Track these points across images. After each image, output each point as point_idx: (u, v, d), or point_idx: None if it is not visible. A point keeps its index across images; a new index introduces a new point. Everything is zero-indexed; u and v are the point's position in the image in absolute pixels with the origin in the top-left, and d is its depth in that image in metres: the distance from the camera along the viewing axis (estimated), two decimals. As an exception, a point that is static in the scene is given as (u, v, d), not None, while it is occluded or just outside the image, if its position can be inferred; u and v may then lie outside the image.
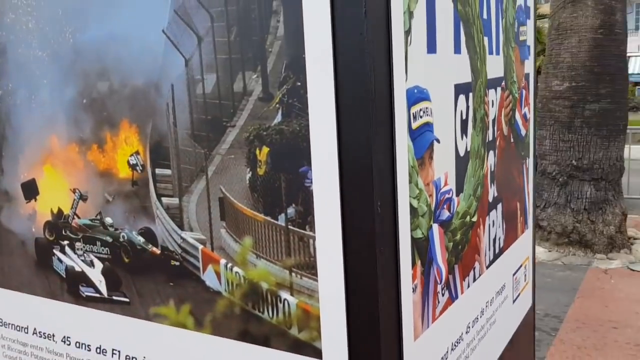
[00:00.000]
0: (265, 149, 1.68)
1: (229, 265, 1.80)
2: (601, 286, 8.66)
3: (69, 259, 2.17)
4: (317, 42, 1.54)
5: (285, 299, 1.71)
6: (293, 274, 1.69)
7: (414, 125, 1.73)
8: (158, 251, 1.95)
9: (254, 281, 1.76)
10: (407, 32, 1.67)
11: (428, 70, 1.82)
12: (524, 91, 2.91)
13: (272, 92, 1.65)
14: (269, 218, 1.71)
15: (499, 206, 2.58)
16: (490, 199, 2.45)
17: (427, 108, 1.80)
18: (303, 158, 1.61)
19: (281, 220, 1.69)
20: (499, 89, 2.50)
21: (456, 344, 2.12)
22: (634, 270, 9.21)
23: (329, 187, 1.58)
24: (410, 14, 1.68)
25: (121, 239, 2.02)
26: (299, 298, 1.69)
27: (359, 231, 1.57)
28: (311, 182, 1.61)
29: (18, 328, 2.39)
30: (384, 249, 1.60)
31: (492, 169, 2.46)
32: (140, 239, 1.98)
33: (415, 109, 1.73)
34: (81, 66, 1.99)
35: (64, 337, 2.25)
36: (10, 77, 2.18)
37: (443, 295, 2.00)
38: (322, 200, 1.60)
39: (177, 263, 1.91)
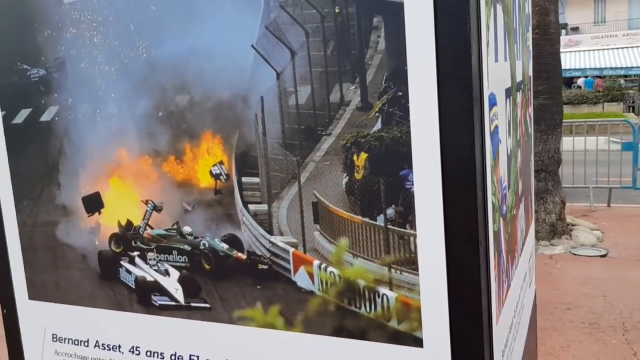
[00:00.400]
0: (364, 155, 1.81)
1: (323, 265, 1.91)
2: (549, 271, 9.21)
3: (139, 270, 2.22)
4: (420, 54, 1.68)
5: (384, 294, 1.85)
6: (392, 270, 1.83)
7: (491, 128, 1.90)
8: (244, 256, 2.03)
9: (350, 279, 1.89)
10: (487, 44, 1.84)
11: (494, 77, 2.00)
12: (529, 91, 3.16)
13: (371, 102, 1.78)
14: (367, 219, 1.84)
15: (522, 199, 2.80)
16: (519, 192, 2.67)
17: (496, 112, 1.98)
18: (404, 162, 1.75)
19: (380, 221, 1.82)
20: (521, 91, 2.72)
21: (510, 327, 2.32)
22: (576, 255, 9.83)
23: (431, 187, 1.73)
24: (487, 27, 1.85)
25: (201, 247, 2.09)
26: (398, 292, 1.83)
27: (462, 227, 1.73)
28: (412, 184, 1.75)
29: (76, 342, 2.41)
30: (482, 242, 1.76)
31: (519, 165, 2.68)
32: (224, 246, 2.06)
33: (491, 113, 1.90)
34: (156, 80, 2.05)
35: (132, 347, 2.29)
36: (70, 92, 2.20)
37: (505, 282, 2.18)
38: (423, 200, 1.75)
39: (265, 267, 2.00)
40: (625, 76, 37.97)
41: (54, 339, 2.45)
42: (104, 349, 2.35)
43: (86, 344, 2.38)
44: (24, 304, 2.49)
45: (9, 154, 2.38)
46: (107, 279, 2.28)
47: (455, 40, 1.65)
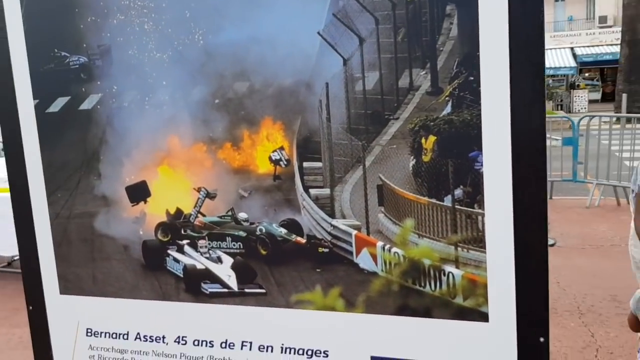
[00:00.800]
0: (432, 138, 1.89)
1: (387, 246, 1.99)
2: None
3: (188, 258, 2.22)
4: (493, 40, 1.78)
5: (449, 272, 1.94)
6: (459, 249, 1.92)
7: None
8: (303, 240, 2.08)
9: (414, 259, 1.97)
10: (542, 33, 1.96)
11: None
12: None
13: (441, 87, 1.86)
14: (433, 200, 1.92)
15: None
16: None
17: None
18: (473, 144, 1.84)
19: (447, 201, 1.91)
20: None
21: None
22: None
23: (501, 168, 1.83)
24: (540, 17, 1.97)
25: (258, 232, 2.12)
26: (464, 270, 1.92)
27: (531, 206, 1.84)
28: (481, 165, 1.85)
29: (114, 335, 2.38)
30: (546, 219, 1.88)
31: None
32: (282, 230, 2.09)
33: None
34: (213, 67, 2.07)
35: (178, 337, 2.29)
36: (115, 80, 2.19)
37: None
38: (493, 180, 1.85)
39: (326, 250, 2.05)
40: (553, 76, 39.80)
41: (88, 334, 2.41)
42: (146, 340, 2.33)
43: (125, 336, 2.36)
44: (55, 299, 2.44)
45: (41, 144, 2.33)
46: (151, 269, 2.27)
47: (528, 27, 1.76)
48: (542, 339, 1.90)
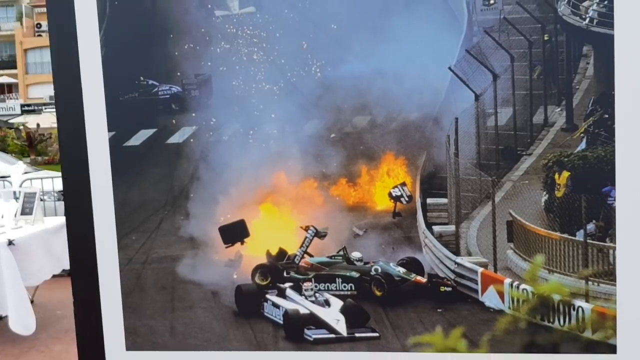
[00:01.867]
0: (566, 174, 1.96)
1: (515, 283, 2.01)
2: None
3: (290, 302, 2.12)
4: (628, 80, 1.89)
5: (579, 306, 1.99)
6: (589, 283, 1.98)
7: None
8: (424, 280, 2.05)
9: (544, 295, 2.01)
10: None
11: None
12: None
13: (576, 124, 1.95)
14: (565, 235, 1.98)
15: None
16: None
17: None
18: (606, 179, 1.94)
19: (579, 236, 1.98)
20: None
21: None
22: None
23: (633, 202, 1.93)
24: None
25: (373, 272, 2.07)
26: (594, 303, 1.99)
27: (660, 238, 1.95)
28: (614, 200, 1.94)
29: (192, 393, 2.19)
30: (670, 250, 1.99)
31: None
32: (400, 270, 2.06)
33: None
34: (331, 100, 2.02)
35: (273, 390, 2.15)
36: (214, 111, 2.07)
37: None
38: (625, 214, 1.94)
39: (449, 289, 2.04)
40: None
41: (160, 393, 2.20)
42: (233, 396, 2.17)
43: (209, 394, 2.18)
44: (118, 357, 2.21)
45: (114, 181, 2.13)
46: (245, 317, 2.14)
47: (662, 69, 1.89)
48: (667, 369, 1.99)
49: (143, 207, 2.15)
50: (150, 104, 2.10)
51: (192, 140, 2.09)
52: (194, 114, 2.08)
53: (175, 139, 2.10)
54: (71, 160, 2.16)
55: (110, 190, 2.14)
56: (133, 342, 2.20)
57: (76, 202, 2.17)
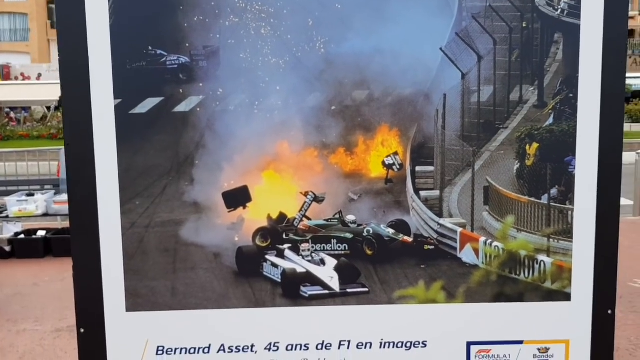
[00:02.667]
0: (535, 145, 2.28)
1: (489, 241, 2.32)
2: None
3: (288, 262, 2.31)
4: (590, 66, 2.24)
5: (542, 261, 2.33)
6: (551, 240, 2.33)
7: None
8: (410, 239, 2.31)
9: (512, 251, 2.33)
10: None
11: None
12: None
13: (546, 101, 2.26)
14: (532, 199, 2.31)
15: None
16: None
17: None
18: (569, 150, 2.28)
19: (544, 200, 2.31)
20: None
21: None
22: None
23: (589, 170, 2.29)
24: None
25: (365, 234, 2.30)
26: (554, 257, 2.33)
27: (610, 202, 2.33)
28: (574, 168, 2.29)
29: (192, 350, 2.35)
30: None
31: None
32: (390, 231, 2.30)
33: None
34: (333, 75, 2.22)
35: (270, 344, 2.35)
36: (221, 82, 2.21)
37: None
38: (582, 180, 2.29)
39: (432, 247, 2.31)
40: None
41: (160, 352, 2.34)
42: (232, 351, 2.35)
43: (207, 350, 2.34)
44: (118, 317, 2.31)
45: (119, 148, 2.22)
46: (245, 276, 2.31)
47: (617, 58, 2.25)
48: (610, 311, 2.38)
49: (148, 173, 2.25)
50: (158, 73, 2.19)
51: (198, 109, 2.21)
52: (201, 84, 2.20)
53: (182, 107, 2.21)
54: (75, 126, 2.22)
55: (115, 156, 2.23)
56: (133, 303, 2.31)
57: (79, 167, 2.23)
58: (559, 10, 2.23)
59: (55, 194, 8.83)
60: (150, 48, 2.19)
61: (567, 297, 2.37)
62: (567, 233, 2.35)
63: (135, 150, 2.24)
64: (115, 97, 2.20)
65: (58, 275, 7.88)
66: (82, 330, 2.33)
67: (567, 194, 2.33)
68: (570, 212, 2.34)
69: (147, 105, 2.22)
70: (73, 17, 2.15)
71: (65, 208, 8.74)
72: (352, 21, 2.20)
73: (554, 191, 2.34)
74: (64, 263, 8.18)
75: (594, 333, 2.39)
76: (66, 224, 9.77)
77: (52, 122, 26.99)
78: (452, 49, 2.23)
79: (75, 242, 2.28)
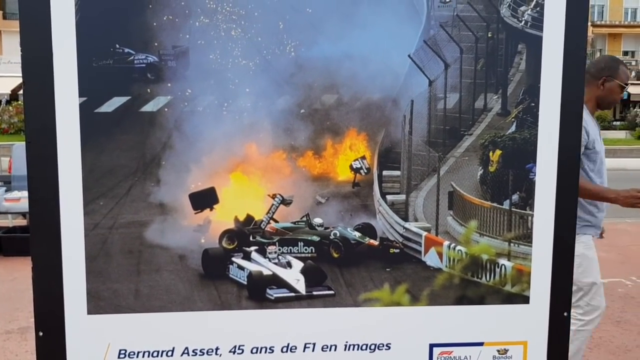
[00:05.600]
0: (498, 152, 2.30)
1: (452, 245, 2.33)
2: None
3: (254, 265, 2.27)
4: (551, 76, 2.27)
5: (502, 264, 2.35)
6: (511, 244, 2.35)
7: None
8: (376, 243, 2.30)
9: (475, 255, 2.34)
10: (555, 71, 2.51)
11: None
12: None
13: (509, 109, 2.29)
14: (495, 204, 2.33)
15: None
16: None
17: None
18: (529, 157, 2.31)
19: (506, 205, 2.33)
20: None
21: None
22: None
23: (548, 178, 2.32)
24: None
25: (332, 236, 2.28)
26: (514, 262, 2.36)
27: (567, 208, 2.36)
28: (534, 175, 2.32)
29: (155, 354, 2.28)
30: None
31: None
32: (356, 234, 2.29)
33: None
34: (303, 79, 2.19)
35: (234, 347, 2.30)
36: (190, 83, 2.15)
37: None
38: (542, 187, 2.33)
39: (397, 250, 2.31)
40: None
41: (121, 356, 2.26)
42: (196, 354, 2.29)
43: (170, 353, 2.28)
44: (79, 321, 2.22)
45: (83, 147, 2.13)
46: (210, 278, 2.26)
47: (576, 71, 2.29)
48: (565, 314, 2.42)
49: (113, 173, 2.17)
50: (125, 72, 2.12)
51: (166, 109, 2.15)
52: (169, 84, 2.14)
53: (149, 107, 2.14)
54: (37, 123, 2.12)
55: (79, 155, 2.14)
56: (95, 305, 2.23)
57: (41, 165, 2.14)
58: (523, 22, 2.26)
59: (6, 190, 8.55)
60: (117, 46, 2.11)
61: (525, 299, 2.40)
62: (527, 238, 2.37)
63: (100, 149, 2.16)
64: (80, 95, 2.12)
65: (8, 275, 7.62)
66: (41, 334, 2.23)
67: (528, 200, 2.36)
68: (530, 217, 2.37)
69: (113, 104, 2.14)
70: (37, 10, 2.06)
71: (16, 206, 8.49)
72: (323, 26, 2.18)
73: (515, 197, 2.37)
74: (14, 262, 7.93)
75: (550, 335, 2.42)
76: (17, 222, 9.48)
77: (3, 117, 26.17)
78: (420, 56, 2.22)
79: (35, 242, 2.18)
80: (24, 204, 8.28)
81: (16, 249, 8.00)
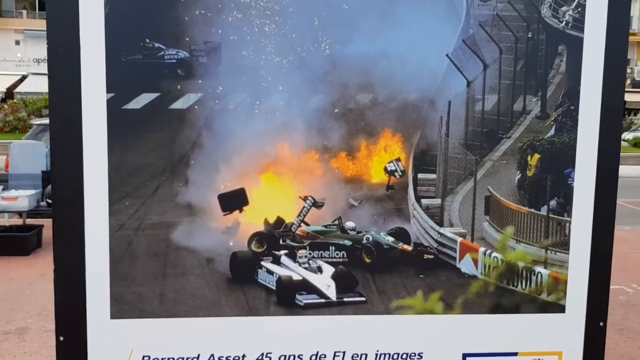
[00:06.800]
0: (537, 156, 2.25)
1: (488, 252, 2.27)
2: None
3: (284, 269, 2.21)
4: (591, 79, 2.22)
5: (538, 272, 2.30)
6: (548, 251, 2.30)
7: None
8: (410, 248, 2.25)
9: (511, 262, 2.29)
10: (592, 74, 2.47)
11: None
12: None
13: (548, 112, 2.24)
14: (532, 210, 2.28)
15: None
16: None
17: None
18: (569, 162, 2.25)
19: (543, 211, 2.28)
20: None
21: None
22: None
23: (587, 183, 2.27)
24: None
25: (364, 241, 2.22)
26: (551, 269, 2.31)
27: (605, 215, 2.31)
28: (573, 180, 2.27)
29: None
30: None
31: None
32: (389, 239, 2.23)
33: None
34: (337, 77, 2.13)
35: (262, 354, 2.24)
36: (222, 80, 2.09)
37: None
38: (581, 193, 2.28)
39: (431, 256, 2.25)
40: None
41: (144, 361, 2.19)
42: (221, 361, 2.22)
43: (195, 359, 2.21)
44: (102, 325, 2.16)
45: (110, 144, 2.07)
46: (238, 283, 2.19)
47: (617, 74, 2.24)
48: (602, 323, 2.37)
49: (140, 171, 2.11)
50: (155, 67, 2.06)
51: (196, 107, 2.09)
52: (200, 81, 2.08)
53: (179, 104, 2.08)
54: (63, 119, 2.06)
55: (105, 153, 2.08)
56: (119, 309, 2.16)
57: (65, 163, 2.07)
58: (564, 22, 2.21)
59: (3, 189, 8.45)
60: (147, 40, 2.05)
61: (561, 309, 2.35)
62: (564, 245, 2.32)
63: (127, 147, 2.10)
64: (108, 91, 2.05)
65: (4, 275, 7.52)
66: (62, 338, 2.16)
67: (566, 206, 2.31)
68: (567, 224, 2.32)
69: (141, 100, 2.08)
70: (65, 3, 2.00)
71: (13, 205, 8.39)
72: (359, 23, 2.12)
73: (553, 203, 2.32)
74: (11, 262, 7.82)
75: (586, 345, 2.37)
76: (14, 221, 9.38)
77: (-1, 115, 26.03)
78: (458, 56, 2.17)
79: (58, 243, 2.11)
80: (20, 203, 8.18)
81: (13, 249, 7.91)
